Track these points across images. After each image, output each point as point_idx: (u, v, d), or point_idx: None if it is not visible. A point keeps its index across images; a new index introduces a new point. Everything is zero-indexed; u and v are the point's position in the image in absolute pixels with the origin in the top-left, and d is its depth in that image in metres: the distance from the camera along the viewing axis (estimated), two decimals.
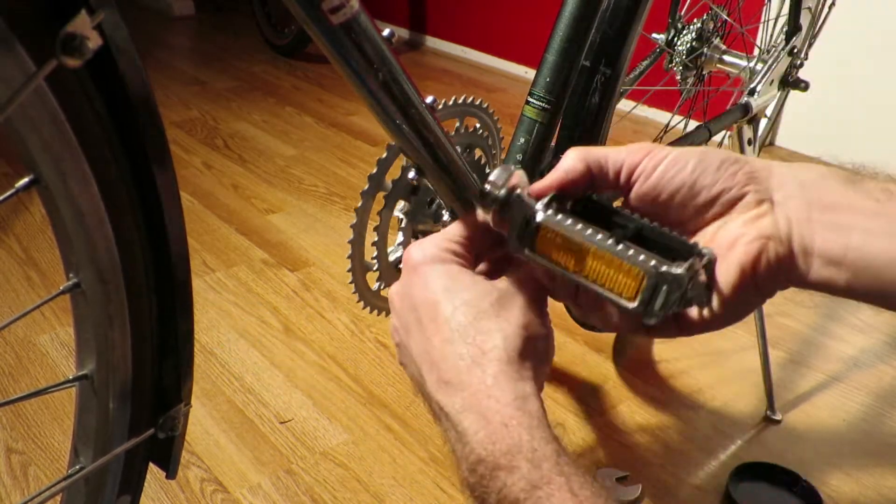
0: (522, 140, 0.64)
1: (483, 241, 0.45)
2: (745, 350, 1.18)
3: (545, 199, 0.40)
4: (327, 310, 1.22)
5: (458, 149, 0.63)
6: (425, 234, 0.64)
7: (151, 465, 0.50)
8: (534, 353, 0.40)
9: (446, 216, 0.60)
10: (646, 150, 0.41)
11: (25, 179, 0.35)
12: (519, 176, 0.42)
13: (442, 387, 0.39)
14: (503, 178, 0.41)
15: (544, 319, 0.42)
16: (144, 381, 0.45)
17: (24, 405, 0.99)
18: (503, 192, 0.41)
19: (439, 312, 0.40)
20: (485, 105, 0.64)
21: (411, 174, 0.55)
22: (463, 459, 0.38)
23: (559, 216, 0.40)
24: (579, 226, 0.39)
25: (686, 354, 1.16)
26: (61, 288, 0.40)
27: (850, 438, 1.01)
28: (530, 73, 0.72)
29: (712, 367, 1.14)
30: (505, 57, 2.60)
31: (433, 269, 0.42)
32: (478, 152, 0.65)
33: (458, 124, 0.62)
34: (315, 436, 0.97)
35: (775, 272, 0.39)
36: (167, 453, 0.49)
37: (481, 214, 0.43)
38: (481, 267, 0.47)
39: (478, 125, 0.63)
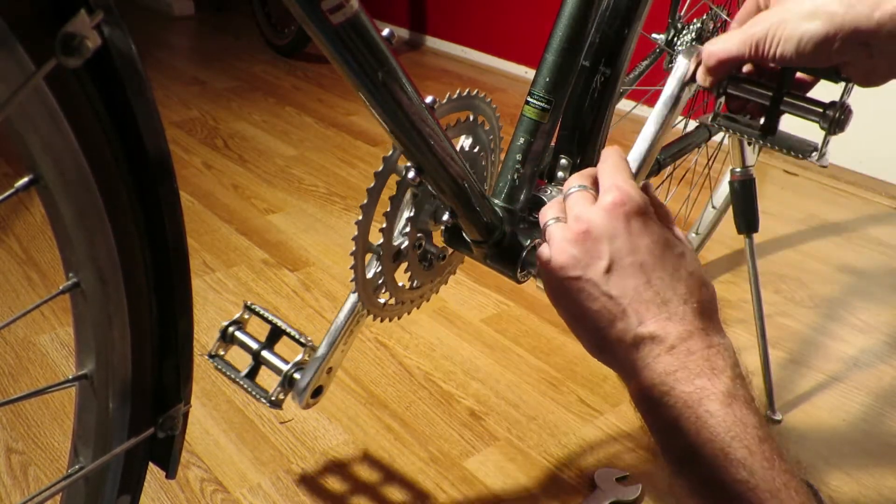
0: (522, 140, 0.63)
1: None
2: (745, 350, 1.18)
3: None
4: (327, 310, 1.22)
5: (469, 140, 0.63)
6: (426, 234, 0.64)
7: (151, 465, 0.50)
8: None
9: (446, 216, 0.60)
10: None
11: (25, 179, 0.35)
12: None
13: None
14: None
15: None
16: (144, 381, 0.45)
17: (24, 405, 0.99)
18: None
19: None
20: (488, 99, 0.64)
21: (411, 174, 0.55)
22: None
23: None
24: None
25: None
26: (61, 287, 0.40)
27: (850, 438, 1.01)
28: (530, 73, 0.72)
29: None
30: (505, 57, 2.60)
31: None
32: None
33: (470, 116, 0.62)
34: (315, 436, 0.97)
35: None
36: (167, 453, 0.49)
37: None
38: None
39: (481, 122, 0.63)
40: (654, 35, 0.95)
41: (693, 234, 1.34)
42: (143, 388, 0.45)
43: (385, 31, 0.46)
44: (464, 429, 0.99)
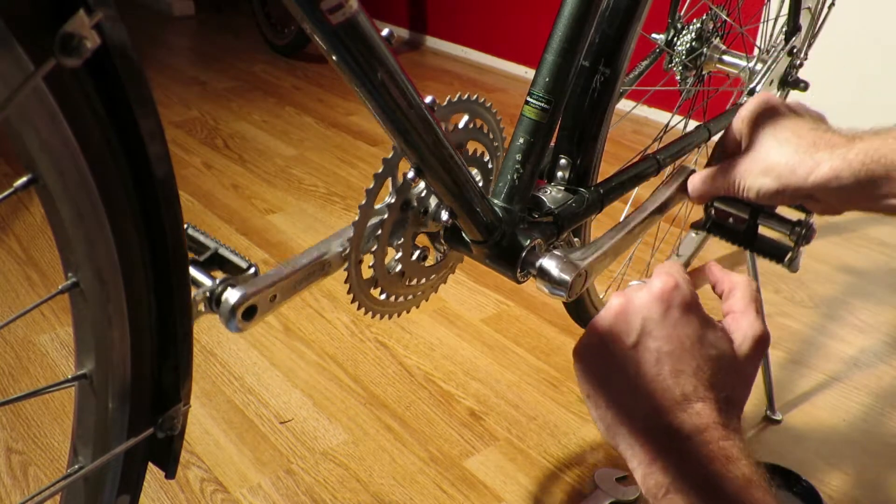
0: (522, 140, 0.63)
1: None
2: None
3: None
4: (327, 310, 1.22)
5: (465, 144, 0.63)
6: (426, 233, 0.64)
7: (151, 465, 0.50)
8: None
9: (445, 216, 0.60)
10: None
11: (24, 179, 0.35)
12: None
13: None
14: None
15: None
16: (144, 381, 0.45)
17: (24, 405, 0.99)
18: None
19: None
20: (488, 104, 0.64)
21: (411, 174, 0.55)
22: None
23: None
24: None
25: None
26: (60, 287, 0.40)
27: (850, 438, 1.01)
28: (530, 73, 0.72)
29: None
30: (505, 57, 2.60)
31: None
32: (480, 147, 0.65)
33: (466, 118, 0.62)
34: (315, 436, 0.97)
35: None
36: (166, 453, 0.49)
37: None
38: None
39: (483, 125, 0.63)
40: (654, 35, 0.95)
41: (693, 234, 1.34)
42: (142, 388, 0.45)
43: (385, 31, 0.46)
44: (464, 429, 0.99)
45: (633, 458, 0.46)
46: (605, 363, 0.48)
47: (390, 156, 0.55)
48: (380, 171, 0.55)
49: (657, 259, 1.30)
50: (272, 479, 0.90)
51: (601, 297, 1.04)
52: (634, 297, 0.49)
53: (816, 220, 0.70)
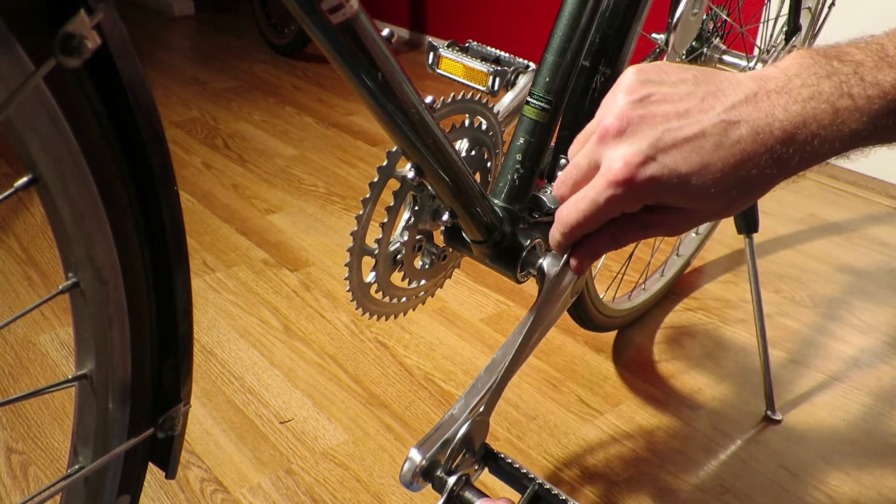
0: (522, 140, 0.63)
1: None
2: (745, 350, 1.18)
3: None
4: (327, 310, 1.22)
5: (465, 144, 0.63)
6: (426, 234, 0.64)
7: (151, 465, 0.50)
8: None
9: (446, 216, 0.60)
10: None
11: (24, 179, 0.35)
12: None
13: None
14: None
15: None
16: (144, 381, 0.45)
17: (24, 405, 0.99)
18: None
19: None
20: (488, 104, 0.64)
21: (411, 174, 0.55)
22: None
23: None
24: None
25: (686, 354, 1.16)
26: (60, 287, 0.40)
27: (850, 438, 1.01)
28: (530, 66, 0.72)
29: (712, 366, 1.14)
30: None
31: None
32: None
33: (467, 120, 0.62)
34: (315, 436, 0.97)
35: None
36: (167, 453, 0.49)
37: None
38: None
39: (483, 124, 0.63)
40: (654, 35, 0.95)
41: (693, 234, 1.34)
42: (142, 388, 0.45)
43: (385, 31, 0.46)
44: None
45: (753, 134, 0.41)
46: (667, 100, 0.44)
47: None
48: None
49: (657, 259, 1.30)
50: (272, 479, 0.90)
51: (601, 296, 1.04)
52: (621, 82, 0.45)
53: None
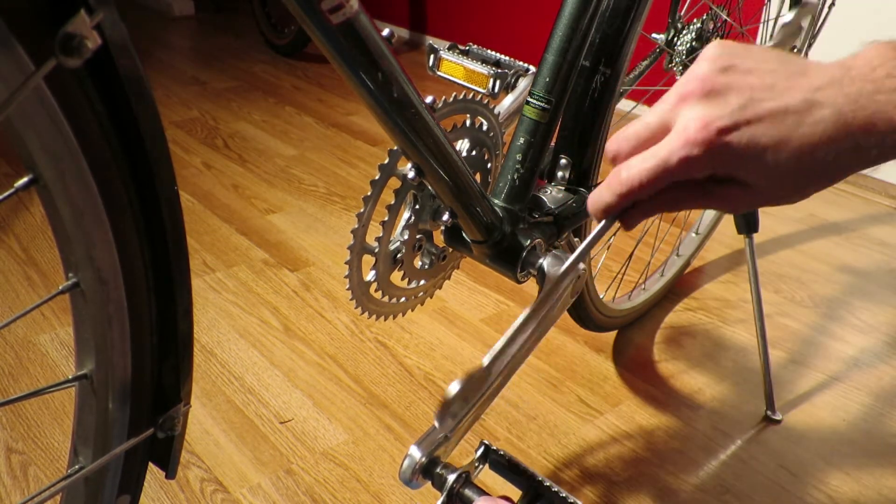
0: (522, 140, 0.63)
1: None
2: (745, 350, 1.18)
3: None
4: (327, 310, 1.22)
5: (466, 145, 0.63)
6: (426, 233, 0.64)
7: (151, 465, 0.50)
8: None
9: (446, 216, 0.60)
10: None
11: (24, 179, 0.35)
12: None
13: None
14: None
15: None
16: (144, 381, 0.45)
17: (24, 405, 0.99)
18: None
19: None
20: (492, 106, 0.64)
21: (411, 174, 0.55)
22: None
23: None
24: None
25: (686, 354, 1.16)
26: (60, 287, 0.40)
27: (850, 438, 1.01)
28: (530, 69, 0.72)
29: (712, 366, 1.14)
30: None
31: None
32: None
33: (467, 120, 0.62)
34: (315, 436, 0.97)
35: None
36: (167, 453, 0.49)
37: None
38: None
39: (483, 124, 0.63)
40: (654, 35, 0.95)
41: (693, 234, 1.34)
42: (142, 388, 0.45)
43: (385, 31, 0.46)
44: None
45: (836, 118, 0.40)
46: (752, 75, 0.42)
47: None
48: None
49: (657, 259, 1.30)
50: (272, 479, 0.90)
51: (601, 296, 1.04)
52: (694, 71, 0.44)
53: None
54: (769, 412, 1.04)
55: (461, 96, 0.61)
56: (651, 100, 0.78)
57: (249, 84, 2.34)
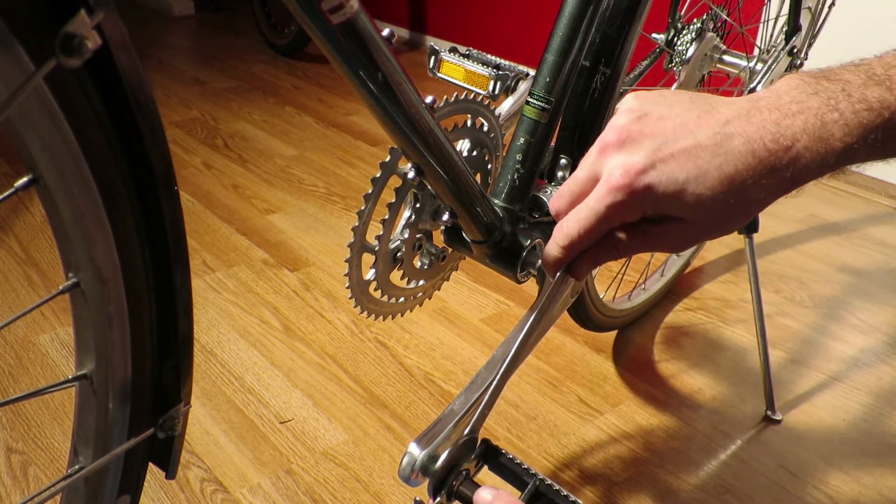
0: (522, 140, 0.63)
1: None
2: (745, 350, 1.18)
3: None
4: (327, 310, 1.22)
5: (467, 145, 0.63)
6: (426, 233, 0.64)
7: (151, 465, 0.50)
8: None
9: (446, 216, 0.60)
10: None
11: (24, 179, 0.35)
12: None
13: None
14: None
15: None
16: (144, 381, 0.45)
17: (24, 405, 0.99)
18: None
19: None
20: (492, 107, 0.64)
21: (411, 174, 0.55)
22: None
23: None
24: None
25: (686, 354, 1.16)
26: (60, 288, 0.40)
27: (850, 438, 1.01)
28: (530, 74, 0.72)
29: (712, 366, 1.14)
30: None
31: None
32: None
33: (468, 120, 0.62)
34: (315, 436, 0.97)
35: None
36: (167, 453, 0.49)
37: None
38: None
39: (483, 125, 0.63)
40: (654, 35, 0.95)
41: None
42: (142, 388, 0.45)
43: (385, 31, 0.46)
44: None
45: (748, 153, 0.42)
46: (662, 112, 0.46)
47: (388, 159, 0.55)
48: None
49: (657, 258, 1.30)
50: (272, 479, 0.90)
51: (601, 296, 1.04)
52: (615, 124, 0.47)
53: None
54: (769, 412, 1.04)
55: (461, 96, 0.61)
56: None
57: (249, 84, 2.34)
